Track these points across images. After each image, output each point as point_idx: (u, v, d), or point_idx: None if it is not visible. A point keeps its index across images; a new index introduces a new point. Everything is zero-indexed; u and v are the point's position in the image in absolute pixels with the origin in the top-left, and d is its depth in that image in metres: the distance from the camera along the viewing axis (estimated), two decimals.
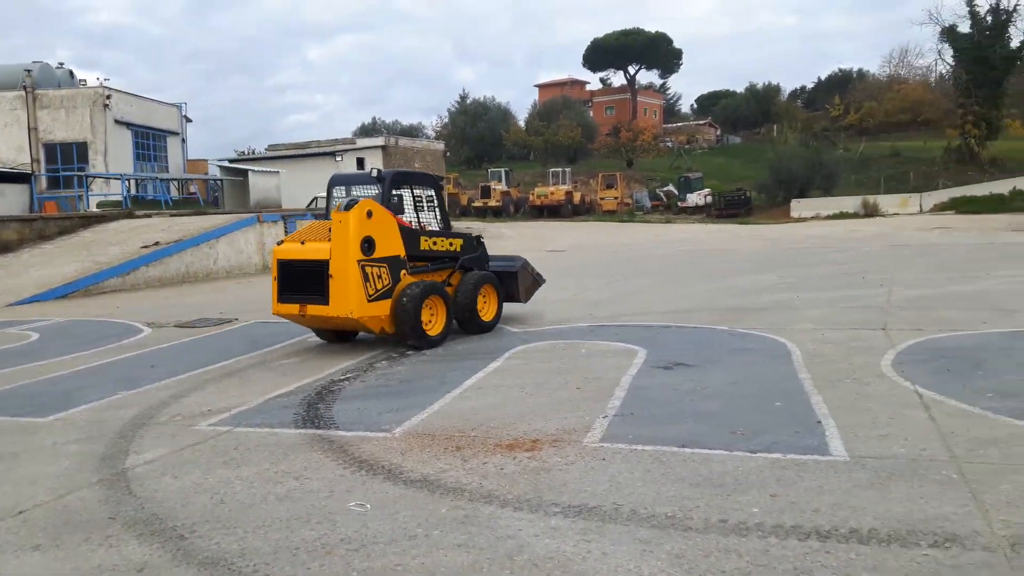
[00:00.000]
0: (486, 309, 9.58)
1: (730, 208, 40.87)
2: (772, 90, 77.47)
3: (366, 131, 67.05)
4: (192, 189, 33.56)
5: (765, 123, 70.79)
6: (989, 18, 44.41)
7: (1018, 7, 43.84)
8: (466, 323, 9.31)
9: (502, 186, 47.95)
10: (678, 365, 7.25)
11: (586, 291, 13.72)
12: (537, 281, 10.81)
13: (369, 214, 8.31)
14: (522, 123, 71.12)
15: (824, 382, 6.37)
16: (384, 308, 8.35)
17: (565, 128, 61.19)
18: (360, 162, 33.94)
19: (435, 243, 9.26)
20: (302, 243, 8.58)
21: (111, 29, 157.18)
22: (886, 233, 26.46)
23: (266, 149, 41.62)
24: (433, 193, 9.97)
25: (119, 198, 27.22)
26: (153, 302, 14.98)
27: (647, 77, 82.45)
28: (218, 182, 32.44)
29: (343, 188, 9.51)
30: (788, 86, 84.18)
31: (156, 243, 18.87)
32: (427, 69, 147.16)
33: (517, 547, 3.58)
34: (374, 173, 9.28)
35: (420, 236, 9.07)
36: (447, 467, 4.70)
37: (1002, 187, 38.09)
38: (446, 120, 72.53)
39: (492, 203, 46.44)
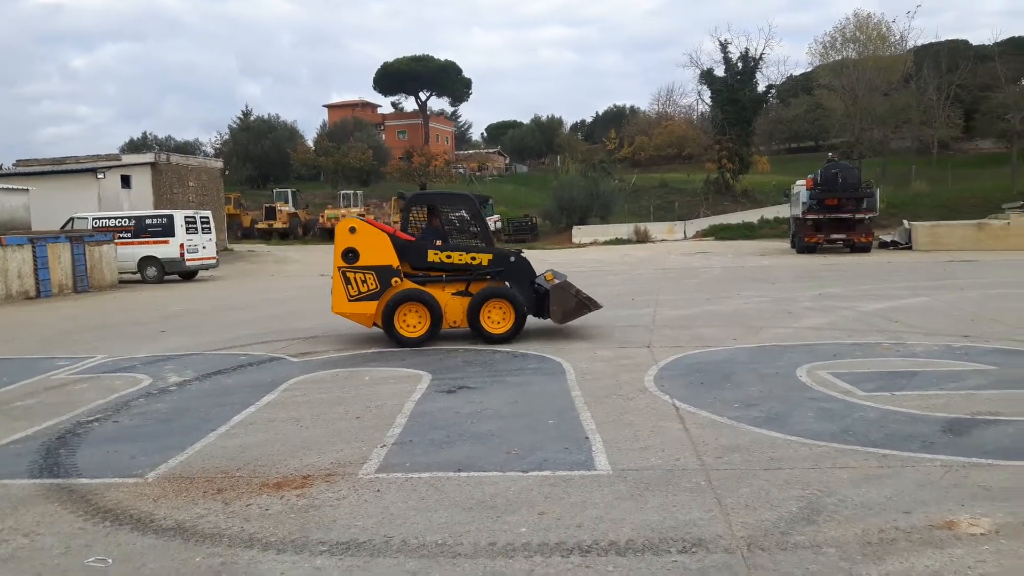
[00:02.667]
0: (501, 323, 9.91)
1: (518, 233, 42.41)
2: (555, 122, 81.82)
3: (135, 146, 62.21)
4: None
5: (549, 153, 74.50)
6: (740, 64, 49.91)
7: (764, 55, 49.77)
8: (474, 332, 9.91)
9: (289, 207, 46.33)
10: (461, 388, 7.30)
11: None
12: (585, 305, 10.28)
13: (352, 230, 9.92)
14: (311, 143, 69.33)
15: (593, 399, 6.69)
16: (370, 308, 9.85)
17: (356, 150, 60.45)
18: (125, 179, 31.14)
19: (449, 256, 10.02)
20: None
21: None
22: (655, 257, 28.69)
23: (14, 164, 37.11)
24: (465, 212, 10.74)
25: None
26: None
27: (438, 104, 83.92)
28: None
29: (422, 207, 10.80)
30: (570, 119, 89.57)
31: None
32: (206, 83, 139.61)
33: None
34: (397, 195, 10.11)
35: (428, 249, 10.00)
36: (205, 512, 4.35)
37: (752, 216, 42.81)
38: (227, 137, 69.00)
39: (278, 225, 44.74)
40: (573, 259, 29.43)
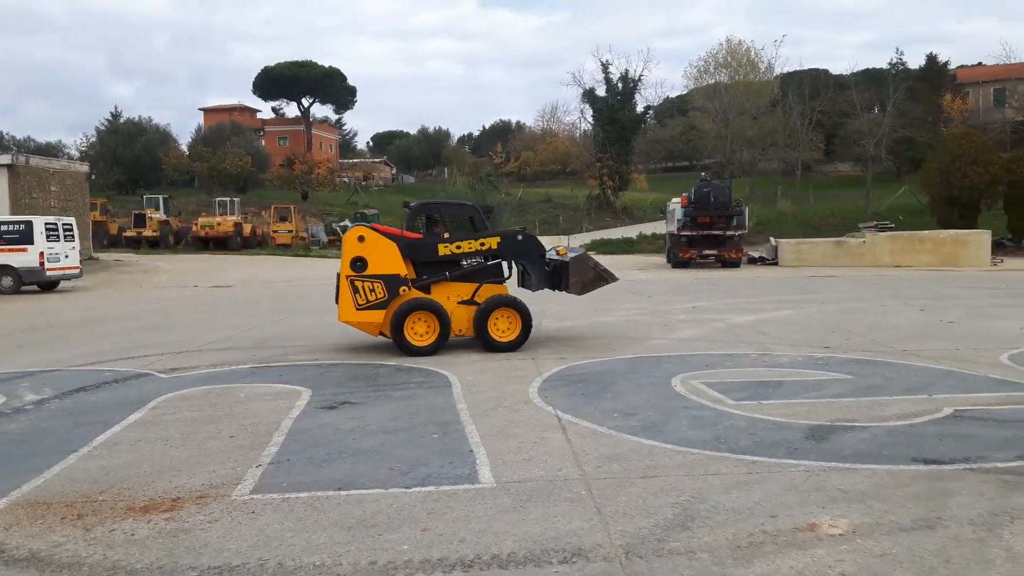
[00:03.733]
0: (507, 331, 10.01)
1: None
2: (443, 134, 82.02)
3: None
4: None
5: (437, 164, 74.50)
6: (620, 85, 51.64)
7: (642, 77, 51.69)
8: (481, 341, 9.93)
9: (160, 214, 44.07)
10: (343, 404, 7.14)
11: (251, 329, 13.03)
12: (603, 276, 10.55)
13: (361, 238, 9.84)
14: (184, 147, 66.26)
15: (478, 411, 6.70)
16: (377, 316, 9.83)
17: (233, 155, 58.22)
18: None
19: (459, 246, 10.04)
20: None
21: None
22: None
23: None
24: (472, 218, 10.68)
25: None
26: None
27: (322, 111, 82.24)
28: None
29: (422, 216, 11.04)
30: (457, 131, 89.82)
31: None
32: (72, 83, 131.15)
33: None
34: (403, 204, 11.00)
35: (438, 244, 10.05)
36: (64, 540, 4.05)
37: (631, 231, 44.29)
38: (94, 139, 65.02)
39: (148, 233, 42.40)
40: None
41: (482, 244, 10.13)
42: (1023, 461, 5.12)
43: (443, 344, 9.84)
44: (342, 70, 76.51)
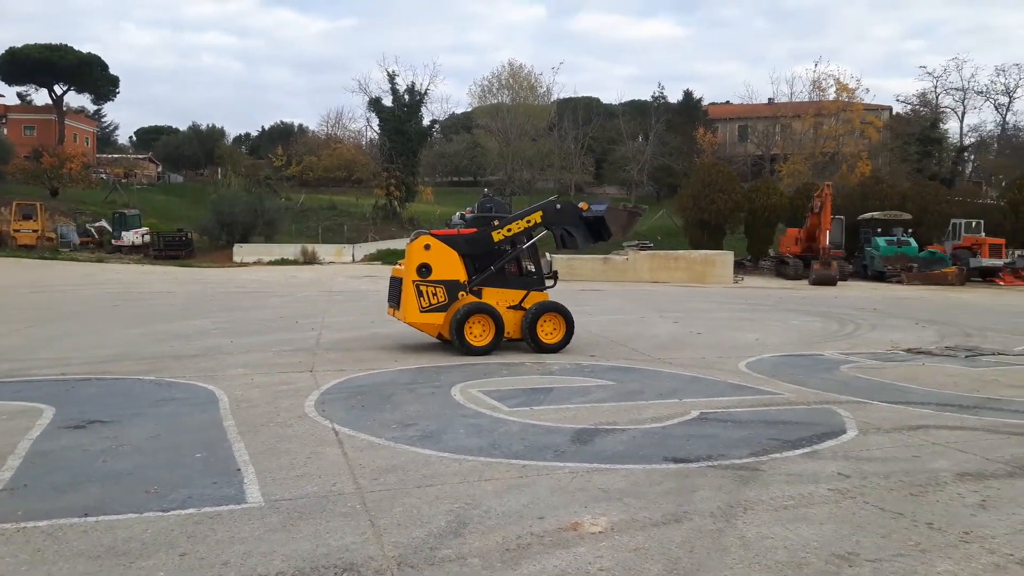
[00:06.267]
0: (553, 333, 10.99)
1: (170, 249, 39.05)
2: (217, 132, 77.26)
3: None
4: None
5: (209, 164, 70.05)
6: (407, 96, 51.80)
7: (429, 91, 52.25)
8: (529, 343, 10.84)
9: None
10: (92, 423, 6.48)
11: None
12: (634, 213, 11.97)
13: (427, 247, 10.63)
14: None
15: (248, 428, 6.38)
16: (438, 319, 10.62)
17: None
18: None
19: (509, 229, 10.90)
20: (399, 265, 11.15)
21: None
22: (322, 280, 28.39)
23: None
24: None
25: None
26: None
27: (77, 100, 74.38)
28: None
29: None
30: (234, 131, 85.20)
31: None
32: None
33: None
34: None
35: (491, 232, 10.86)
36: None
37: None
38: None
39: None
40: (233, 278, 27.92)
41: (528, 221, 11.05)
42: (755, 457, 5.80)
43: (498, 344, 10.64)
44: (103, 57, 69.79)
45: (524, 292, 11.10)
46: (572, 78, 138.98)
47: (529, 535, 4.17)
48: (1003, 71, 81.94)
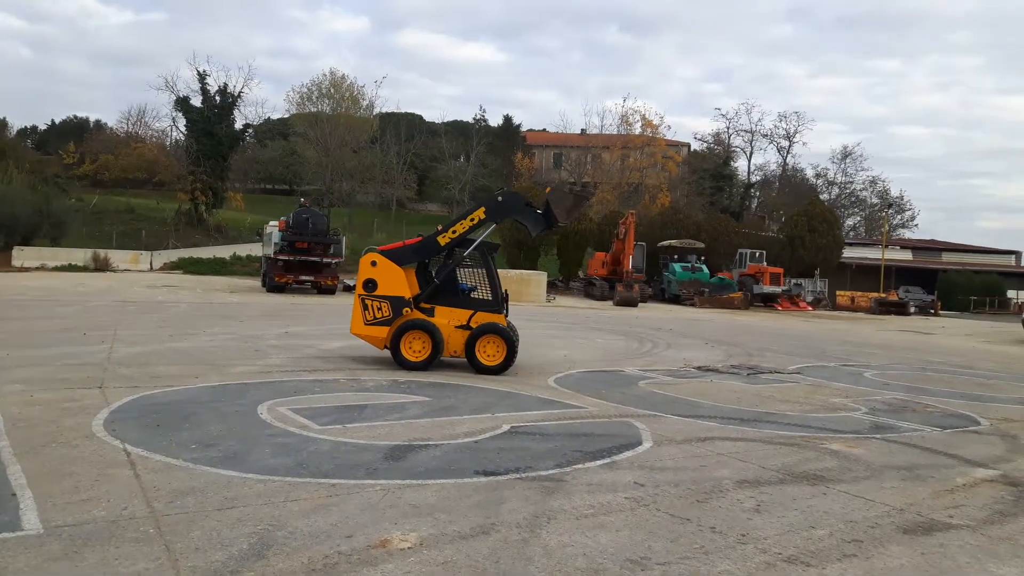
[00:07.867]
0: (493, 356, 10.91)
1: None
2: None
3: None
4: None
5: None
6: (218, 98, 49.30)
7: (243, 94, 50.05)
8: (470, 363, 10.91)
9: None
10: None
11: None
12: (581, 196, 11.96)
13: (373, 263, 10.97)
14: None
15: (26, 449, 5.78)
16: (382, 332, 10.92)
17: None
18: None
19: (455, 231, 10.94)
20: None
21: None
22: (116, 288, 26.24)
23: None
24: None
25: None
26: None
27: None
28: None
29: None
30: (18, 123, 76.73)
31: None
32: None
33: None
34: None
35: (437, 237, 11.01)
36: None
37: (225, 252, 42.28)
38: None
39: None
40: (12, 285, 25.12)
41: (472, 219, 11.01)
42: (560, 469, 6.07)
43: (434, 361, 10.77)
44: None
45: (472, 312, 11.04)
46: (396, 93, 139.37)
47: (336, 554, 4.12)
48: (785, 117, 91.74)
